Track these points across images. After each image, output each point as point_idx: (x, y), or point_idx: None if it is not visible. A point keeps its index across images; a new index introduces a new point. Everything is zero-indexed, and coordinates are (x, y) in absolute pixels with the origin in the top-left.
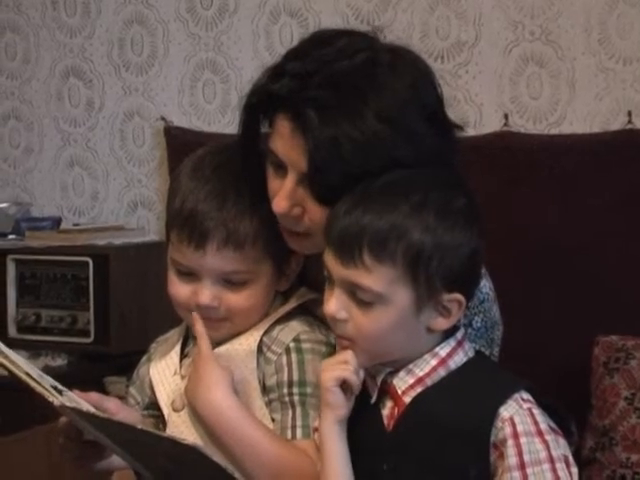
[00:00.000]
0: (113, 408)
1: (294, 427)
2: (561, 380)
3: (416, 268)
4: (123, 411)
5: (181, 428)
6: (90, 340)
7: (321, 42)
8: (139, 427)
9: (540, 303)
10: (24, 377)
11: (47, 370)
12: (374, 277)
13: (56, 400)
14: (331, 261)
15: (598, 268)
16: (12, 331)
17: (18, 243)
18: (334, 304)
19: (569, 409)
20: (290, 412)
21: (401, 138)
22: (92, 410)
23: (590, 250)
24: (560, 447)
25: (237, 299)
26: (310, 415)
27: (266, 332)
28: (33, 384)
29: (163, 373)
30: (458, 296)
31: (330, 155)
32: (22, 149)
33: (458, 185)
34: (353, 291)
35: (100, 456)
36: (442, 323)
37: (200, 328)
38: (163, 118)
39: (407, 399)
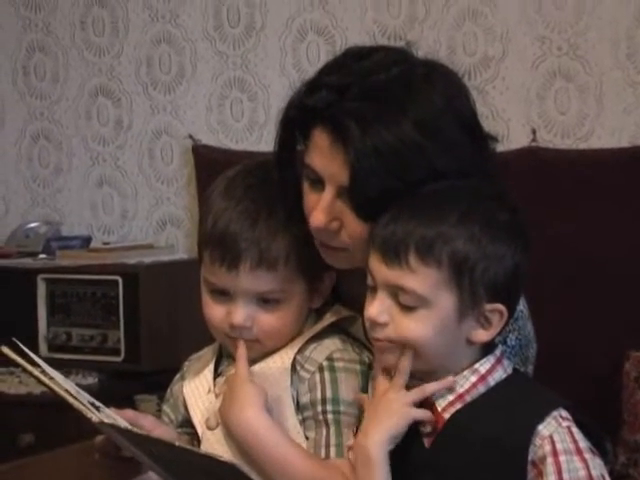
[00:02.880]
0: (148, 425)
1: (328, 446)
2: (592, 395)
3: (461, 274)
4: (158, 428)
5: (215, 446)
6: (120, 358)
7: (357, 56)
8: (177, 444)
9: (571, 317)
10: (63, 393)
11: None
12: (419, 279)
13: (95, 417)
14: (375, 264)
15: (629, 282)
16: (43, 350)
17: (49, 262)
18: (376, 307)
19: (600, 424)
20: (324, 431)
21: (440, 147)
22: (129, 427)
23: (621, 264)
24: (597, 467)
25: (270, 319)
26: (344, 434)
27: (300, 350)
28: (71, 400)
29: (197, 391)
30: (500, 306)
31: (372, 166)
32: (51, 169)
33: (504, 198)
34: (396, 294)
35: (137, 472)
36: (482, 335)
37: (242, 351)
38: (191, 136)
39: (446, 415)
